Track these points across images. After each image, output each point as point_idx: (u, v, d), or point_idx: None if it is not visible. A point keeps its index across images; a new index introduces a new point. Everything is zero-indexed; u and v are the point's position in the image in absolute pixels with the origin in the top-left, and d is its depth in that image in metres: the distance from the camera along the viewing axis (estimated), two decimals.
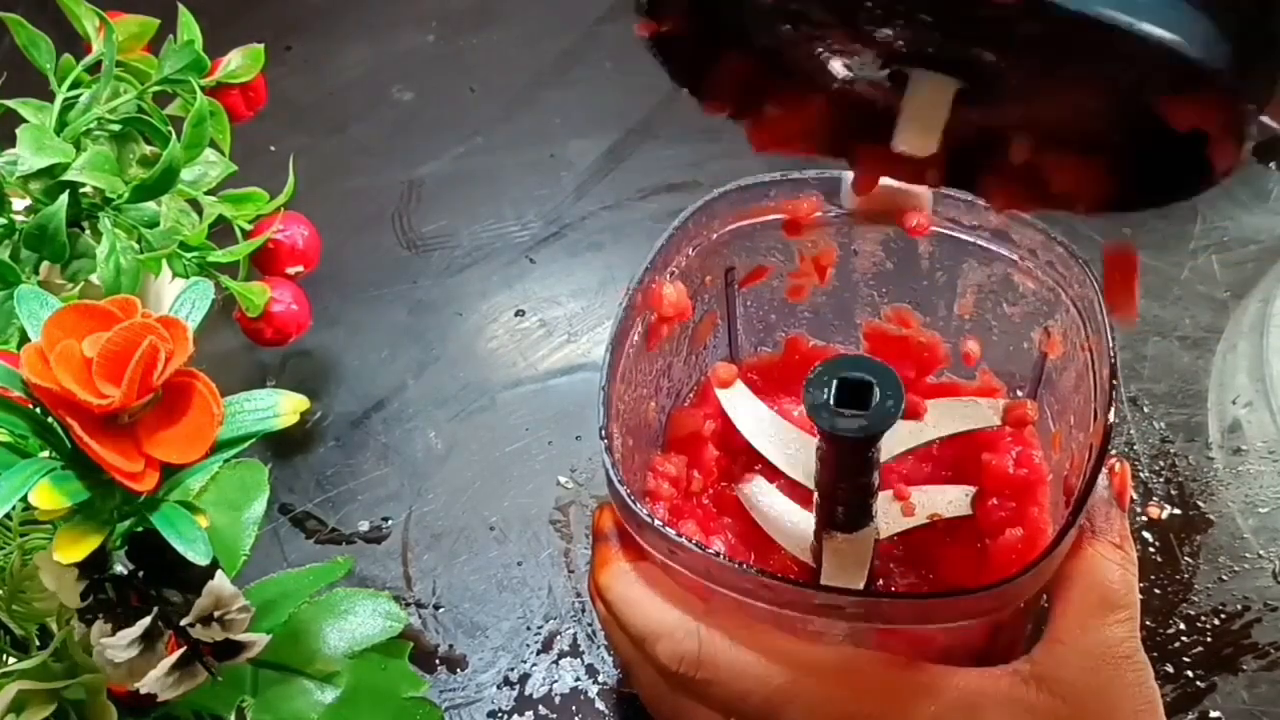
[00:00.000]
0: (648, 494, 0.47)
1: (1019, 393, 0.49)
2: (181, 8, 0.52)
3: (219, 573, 0.35)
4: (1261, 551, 0.52)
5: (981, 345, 0.49)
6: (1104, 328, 0.41)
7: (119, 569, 0.34)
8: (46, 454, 0.33)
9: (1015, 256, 0.45)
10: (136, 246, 0.49)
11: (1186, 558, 0.52)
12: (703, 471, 0.48)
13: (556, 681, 0.51)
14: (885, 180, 0.39)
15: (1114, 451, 0.46)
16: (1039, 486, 0.46)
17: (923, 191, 0.44)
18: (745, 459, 0.49)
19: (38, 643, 0.39)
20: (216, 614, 0.35)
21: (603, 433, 0.40)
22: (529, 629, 0.53)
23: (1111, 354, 0.40)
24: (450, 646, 0.52)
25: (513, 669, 0.52)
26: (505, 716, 0.51)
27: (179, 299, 0.36)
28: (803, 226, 0.46)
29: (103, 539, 0.32)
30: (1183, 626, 0.50)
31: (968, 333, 0.49)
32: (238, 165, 0.53)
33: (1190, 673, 0.49)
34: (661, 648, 0.38)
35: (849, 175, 0.44)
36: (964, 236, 0.45)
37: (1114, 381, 0.40)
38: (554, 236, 0.65)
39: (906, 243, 0.46)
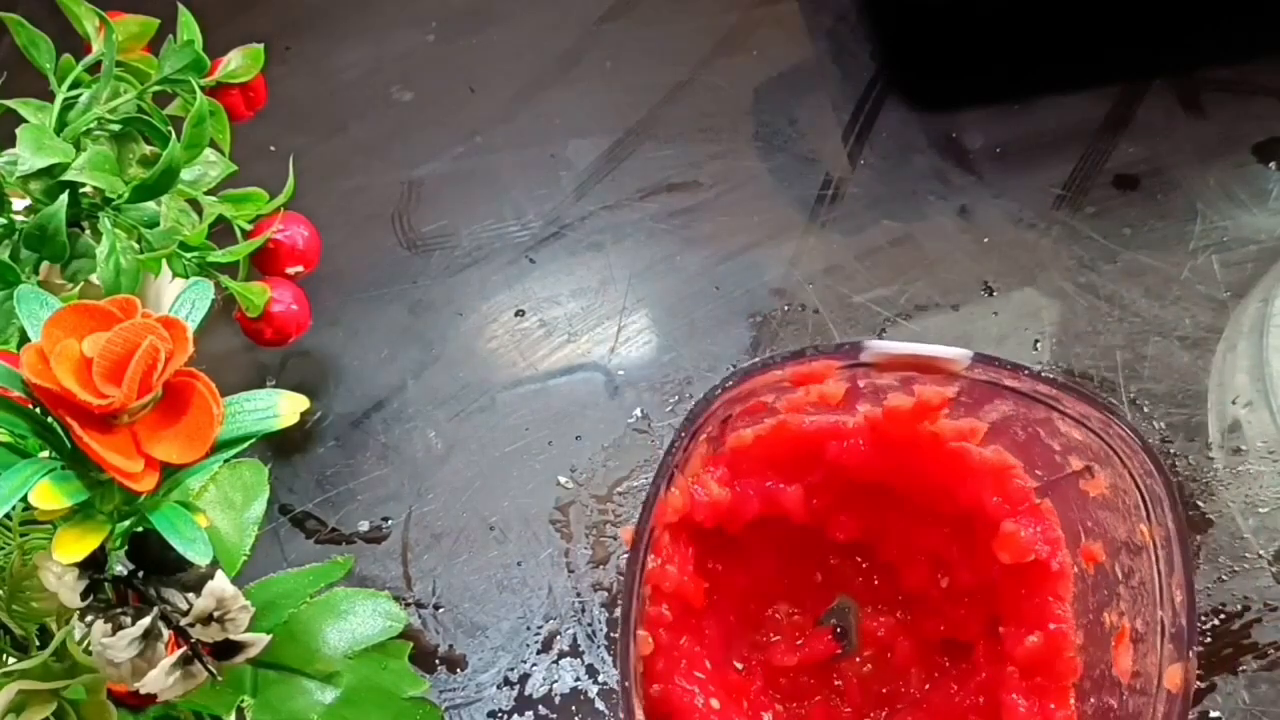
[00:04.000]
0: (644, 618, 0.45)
1: (1039, 471, 0.45)
2: (181, 8, 0.52)
3: (219, 573, 0.35)
4: (1261, 551, 0.52)
5: (999, 436, 0.45)
6: (1178, 564, 0.37)
7: (119, 569, 0.34)
8: (46, 454, 0.33)
9: (1060, 411, 0.41)
10: (136, 246, 0.49)
11: None
12: (693, 598, 0.46)
13: (556, 681, 0.51)
14: (911, 346, 0.37)
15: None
16: (1060, 581, 0.44)
17: (955, 354, 0.40)
18: (732, 547, 0.48)
19: (38, 643, 0.39)
20: (216, 614, 0.35)
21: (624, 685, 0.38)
22: (529, 629, 0.53)
23: (1185, 596, 0.36)
24: (450, 646, 0.52)
25: (513, 669, 0.52)
26: (505, 716, 0.51)
27: (179, 299, 0.36)
28: (815, 380, 0.43)
29: (103, 539, 0.32)
30: None
31: (988, 434, 0.45)
32: (238, 165, 0.53)
33: None
34: None
35: (871, 344, 0.41)
36: (1003, 385, 0.41)
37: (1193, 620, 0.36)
38: (554, 236, 0.65)
39: (934, 382, 0.43)
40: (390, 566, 0.55)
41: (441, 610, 0.53)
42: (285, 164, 0.53)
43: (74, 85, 0.49)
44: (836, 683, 0.48)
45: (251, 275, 0.53)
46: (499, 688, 0.51)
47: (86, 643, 0.35)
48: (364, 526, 0.56)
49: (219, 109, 0.51)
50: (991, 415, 0.44)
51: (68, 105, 0.49)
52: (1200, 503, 0.53)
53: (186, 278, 0.50)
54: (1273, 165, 0.65)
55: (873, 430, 0.46)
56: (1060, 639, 0.43)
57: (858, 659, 0.49)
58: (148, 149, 0.51)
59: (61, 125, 0.48)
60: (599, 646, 0.52)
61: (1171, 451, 0.55)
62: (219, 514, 0.45)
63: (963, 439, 0.45)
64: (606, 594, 0.54)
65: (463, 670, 0.52)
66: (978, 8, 0.72)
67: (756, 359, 0.42)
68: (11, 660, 0.38)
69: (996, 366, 0.40)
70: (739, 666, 0.48)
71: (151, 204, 0.49)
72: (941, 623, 0.47)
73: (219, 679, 0.35)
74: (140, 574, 0.35)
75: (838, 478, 0.47)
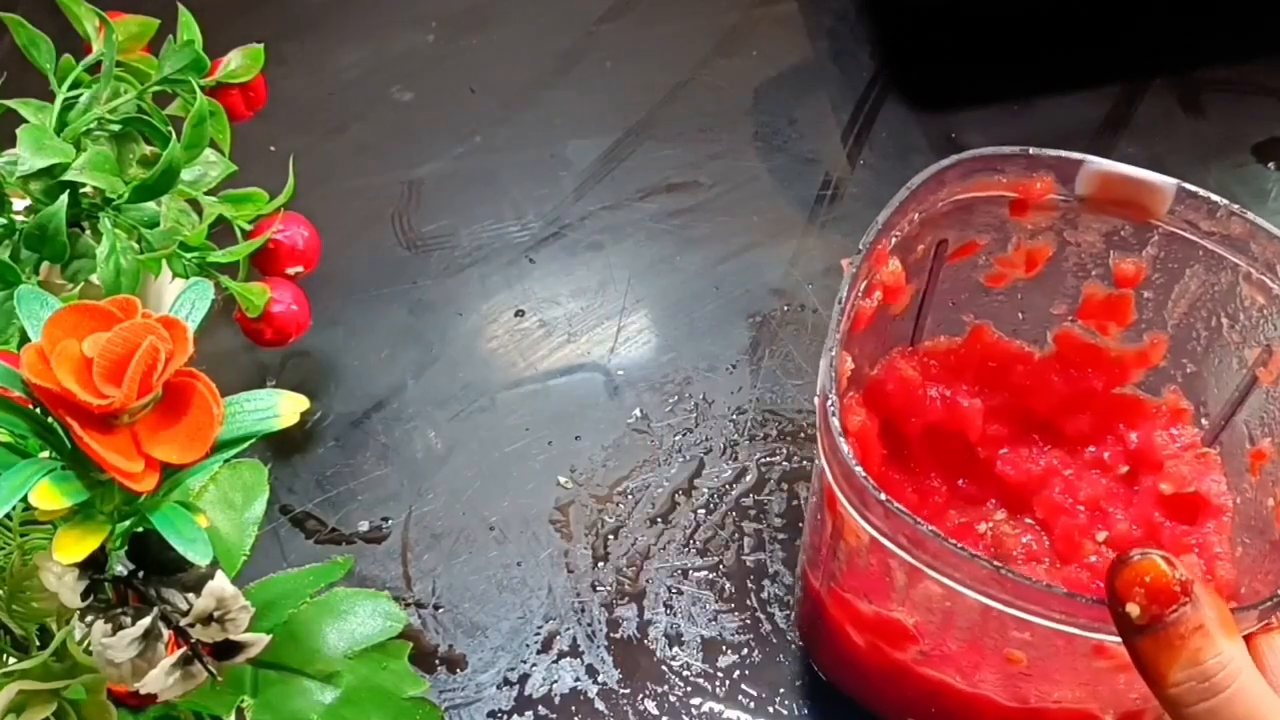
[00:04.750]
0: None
1: (1204, 420, 0.47)
2: (181, 8, 0.52)
3: (219, 573, 0.35)
4: None
5: (1178, 361, 0.47)
6: None
7: (119, 569, 0.34)
8: (46, 454, 0.33)
9: (1250, 268, 0.42)
10: (136, 246, 0.49)
11: None
12: (869, 461, 0.47)
13: (556, 681, 0.51)
14: (1126, 168, 0.38)
15: None
16: (1219, 515, 0.45)
17: (1165, 184, 0.42)
18: (905, 453, 0.49)
19: (38, 643, 0.39)
20: (216, 614, 0.35)
21: (831, 401, 0.37)
22: (529, 629, 0.53)
23: None
24: (450, 646, 0.52)
25: (512, 669, 0.52)
26: (505, 716, 0.51)
27: (179, 299, 0.36)
28: (1029, 207, 0.44)
29: (103, 539, 0.32)
30: None
31: (1169, 347, 0.47)
32: (238, 165, 0.53)
33: None
34: None
35: (1090, 159, 0.42)
36: (1197, 239, 0.43)
37: None
38: (554, 236, 0.65)
39: (1133, 237, 0.44)
40: (390, 566, 0.55)
41: (441, 610, 0.53)
42: (285, 164, 0.53)
43: (74, 85, 0.49)
44: None
45: (251, 275, 0.53)
46: (499, 688, 0.51)
47: (86, 643, 0.35)
48: (364, 526, 0.56)
49: (219, 109, 0.51)
50: (1179, 308, 0.45)
51: (68, 105, 0.49)
52: None
53: (186, 278, 0.50)
54: (1272, 165, 0.65)
55: (1059, 360, 0.49)
56: (1213, 561, 0.44)
57: None
58: (148, 149, 0.51)
59: (61, 125, 0.48)
60: (599, 646, 0.52)
61: None
62: (219, 514, 0.45)
63: (1144, 363, 0.47)
64: (606, 594, 0.54)
65: (463, 670, 0.52)
66: (978, 8, 0.72)
67: (980, 150, 0.42)
68: (11, 660, 0.38)
69: (1197, 200, 0.42)
70: None
71: (151, 204, 0.49)
72: (1095, 577, 0.47)
73: (219, 679, 0.35)
74: (140, 574, 0.34)
75: (1017, 406, 0.50)
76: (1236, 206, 0.41)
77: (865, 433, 0.47)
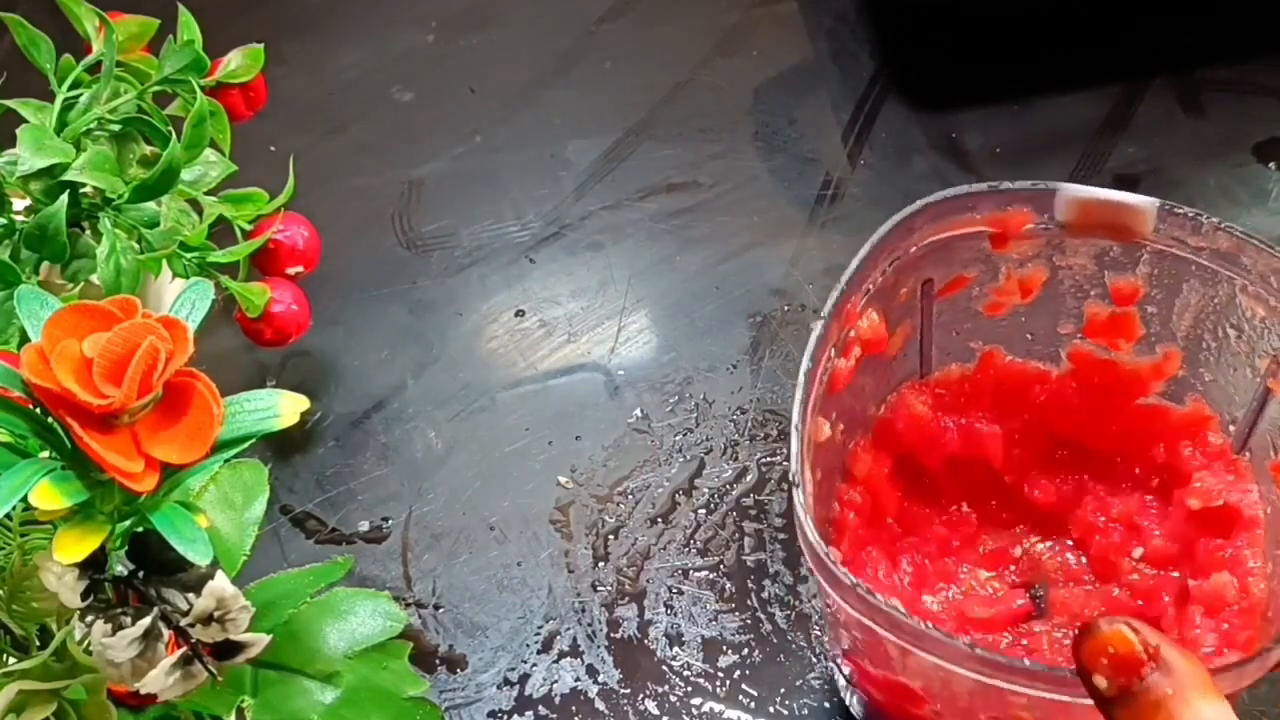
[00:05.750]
0: (833, 522, 0.45)
1: (1232, 427, 0.46)
2: (181, 8, 0.52)
3: (219, 573, 0.35)
4: None
5: (1196, 370, 0.46)
6: None
7: (119, 569, 0.34)
8: (46, 454, 0.33)
9: (1245, 280, 0.42)
10: (136, 246, 0.49)
11: None
12: (885, 503, 0.47)
13: (556, 681, 0.51)
14: (1102, 193, 0.37)
15: None
16: (1253, 528, 0.44)
17: (1145, 205, 0.41)
18: (928, 485, 0.49)
19: (38, 643, 0.39)
20: (216, 614, 0.35)
21: (796, 479, 0.37)
22: (529, 629, 0.53)
23: None
24: (450, 646, 0.52)
25: (513, 669, 0.52)
26: (505, 716, 0.51)
27: (179, 299, 0.36)
28: (1010, 239, 0.44)
29: (103, 539, 0.32)
30: None
31: (1184, 357, 0.46)
32: (238, 165, 0.53)
33: None
34: None
35: (1062, 187, 0.42)
36: (1187, 255, 0.42)
37: None
38: (554, 236, 0.65)
39: (1124, 257, 0.44)
40: (390, 566, 0.55)
41: (441, 610, 0.53)
42: (285, 164, 0.53)
43: (74, 85, 0.49)
44: (1023, 642, 0.48)
45: (251, 275, 0.53)
46: (499, 688, 0.51)
47: (86, 643, 0.35)
48: (364, 526, 0.56)
49: (219, 109, 0.51)
50: (1184, 321, 0.45)
51: (68, 105, 0.49)
52: None
53: (186, 278, 0.50)
54: (1272, 165, 0.65)
55: (1076, 378, 0.48)
56: (1246, 578, 0.44)
57: (1050, 625, 0.48)
58: (148, 149, 0.51)
59: (61, 125, 0.48)
60: (599, 646, 0.52)
61: None
62: (219, 514, 0.45)
63: (1161, 375, 0.46)
64: (607, 594, 0.54)
65: (463, 670, 0.52)
66: (978, 8, 0.72)
67: (949, 191, 0.41)
68: (11, 660, 0.38)
69: (1180, 216, 0.41)
70: (931, 603, 0.48)
71: (151, 204, 0.49)
72: (1134, 595, 0.47)
73: (219, 679, 0.35)
74: (140, 574, 0.34)
75: (1039, 428, 0.49)
76: (1220, 221, 0.41)
77: (874, 477, 0.47)
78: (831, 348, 0.41)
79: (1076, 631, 0.32)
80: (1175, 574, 0.47)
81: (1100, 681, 0.31)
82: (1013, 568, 0.50)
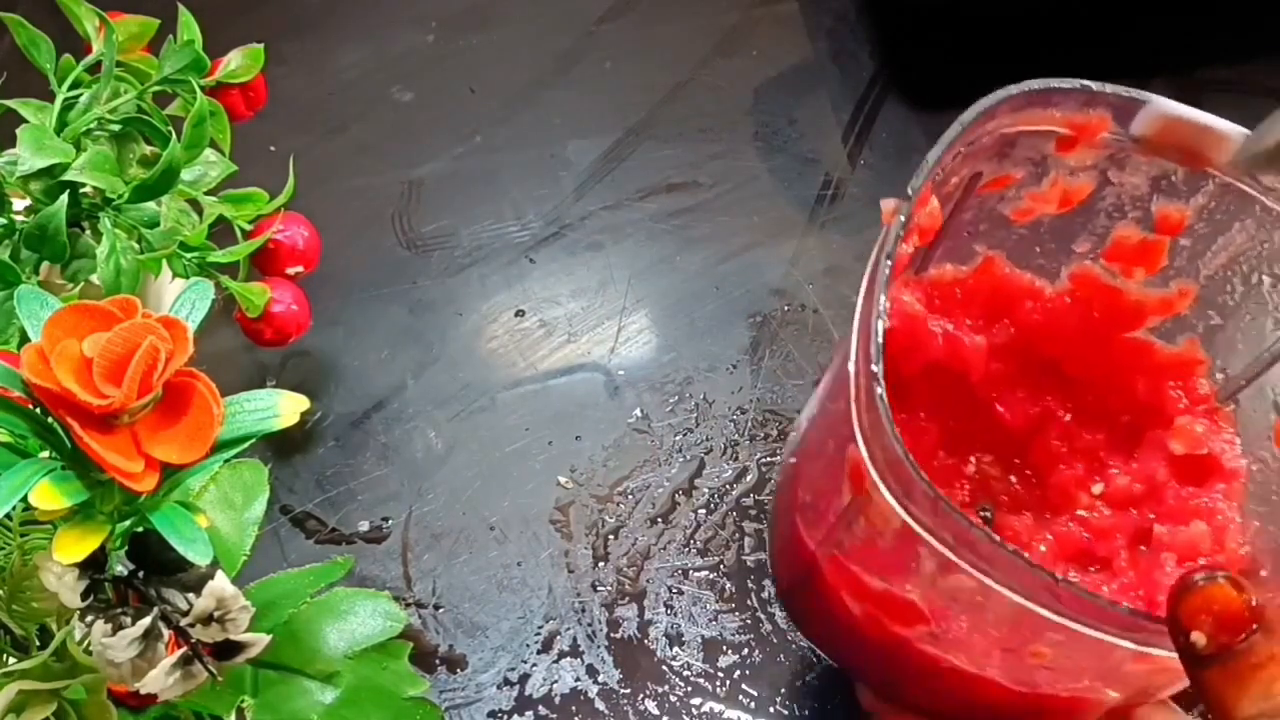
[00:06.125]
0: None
1: (1220, 375, 0.45)
2: (181, 8, 0.52)
3: (219, 573, 0.35)
4: None
5: (1204, 312, 0.44)
6: None
7: (119, 569, 0.34)
8: (46, 454, 0.33)
9: None
10: (136, 246, 0.49)
11: None
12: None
13: (556, 681, 0.51)
14: (1194, 113, 0.36)
15: None
16: (1232, 480, 0.43)
17: (1233, 134, 0.39)
18: (896, 390, 0.45)
19: (38, 643, 0.39)
20: (216, 614, 0.35)
21: (877, 377, 0.33)
22: (529, 629, 0.53)
23: None
24: (450, 646, 0.52)
25: (513, 669, 0.52)
26: (505, 716, 0.51)
27: (179, 299, 0.36)
28: (1079, 144, 0.41)
29: (103, 539, 0.32)
30: None
31: (1196, 296, 0.44)
32: (238, 165, 0.53)
33: None
34: None
35: (1154, 100, 0.39)
36: (1256, 193, 0.40)
37: None
38: (554, 236, 0.65)
39: (1184, 184, 0.42)
40: (390, 566, 0.55)
41: (441, 610, 0.53)
42: (285, 164, 0.53)
43: (74, 85, 0.49)
44: None
45: (251, 275, 0.53)
46: (499, 688, 0.51)
47: (86, 643, 0.35)
48: (364, 526, 0.56)
49: (219, 109, 0.51)
50: (1216, 260, 0.43)
51: (68, 105, 0.49)
52: None
53: (186, 278, 0.50)
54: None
55: (1073, 298, 0.46)
56: (1222, 531, 0.42)
57: None
58: (148, 149, 0.51)
59: (61, 125, 0.48)
60: (599, 646, 0.52)
61: None
62: (219, 514, 0.45)
63: (1167, 310, 0.45)
64: (607, 594, 0.54)
65: (463, 670, 0.52)
66: (978, 8, 0.72)
67: (1034, 82, 0.38)
68: (11, 660, 0.38)
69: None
70: None
71: (151, 204, 0.49)
72: (1086, 531, 0.45)
73: (219, 679, 0.35)
74: (140, 574, 0.34)
75: (1022, 344, 0.47)
76: None
77: None
78: (912, 230, 0.38)
79: (1178, 582, 0.30)
80: (1135, 515, 0.45)
81: (1199, 639, 0.29)
82: (966, 486, 0.48)
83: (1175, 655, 0.31)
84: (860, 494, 0.36)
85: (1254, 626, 0.29)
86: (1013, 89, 0.38)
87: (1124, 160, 0.42)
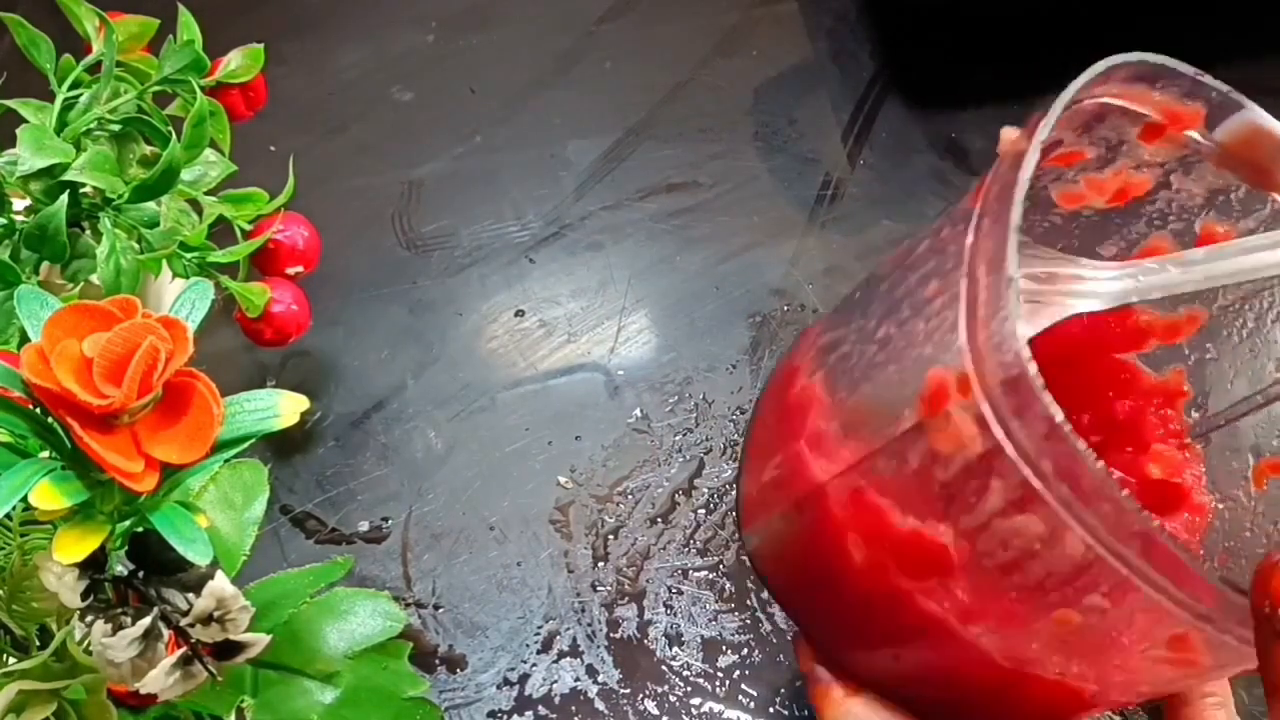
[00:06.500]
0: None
1: (1195, 413, 0.44)
2: (181, 8, 0.52)
3: (219, 573, 0.35)
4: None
5: (1201, 343, 0.43)
6: None
7: (119, 569, 0.34)
8: (46, 454, 0.33)
9: None
10: (136, 246, 0.49)
11: None
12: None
13: (556, 681, 0.51)
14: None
15: None
16: (1197, 514, 0.43)
17: None
18: None
19: (38, 643, 0.39)
20: (216, 614, 0.35)
21: (1013, 279, 0.31)
22: (529, 629, 0.53)
23: None
24: (450, 646, 0.52)
25: (513, 669, 0.52)
26: (505, 716, 0.51)
27: (179, 299, 0.36)
28: (1164, 135, 0.40)
29: (103, 539, 0.32)
30: None
31: (1204, 326, 0.43)
32: (238, 165, 0.53)
33: None
34: None
35: (1251, 107, 0.38)
36: None
37: None
38: (554, 236, 0.65)
39: (1239, 203, 0.40)
40: (390, 566, 0.55)
41: (441, 610, 0.53)
42: (285, 164, 0.53)
43: (74, 85, 0.49)
44: None
45: (251, 275, 0.53)
46: (499, 688, 0.51)
47: (86, 643, 0.35)
48: (364, 526, 0.56)
49: (219, 109, 0.51)
50: (1238, 290, 0.42)
51: (68, 105, 0.49)
52: None
53: (186, 278, 0.50)
54: None
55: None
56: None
57: None
58: (148, 149, 0.51)
59: (62, 125, 0.48)
60: (599, 646, 0.52)
61: None
62: (219, 514, 0.45)
63: (1172, 336, 0.44)
64: (607, 594, 0.54)
65: (463, 670, 0.52)
66: (978, 8, 0.72)
67: (1152, 56, 0.36)
68: (11, 660, 0.38)
69: None
70: None
71: (151, 204, 0.49)
72: None
73: (219, 679, 0.35)
74: (140, 574, 0.35)
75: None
76: None
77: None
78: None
79: (1269, 556, 0.30)
80: None
81: None
82: None
83: (1226, 637, 0.31)
84: (934, 416, 0.33)
85: None
86: (1133, 56, 0.36)
87: (1193, 165, 0.40)
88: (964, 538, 0.35)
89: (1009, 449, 0.31)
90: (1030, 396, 0.30)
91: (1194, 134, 0.39)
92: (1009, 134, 0.36)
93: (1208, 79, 0.38)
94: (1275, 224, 0.40)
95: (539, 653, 0.52)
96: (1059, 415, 0.29)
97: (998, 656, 0.37)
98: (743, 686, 0.51)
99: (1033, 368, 0.30)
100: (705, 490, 0.56)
